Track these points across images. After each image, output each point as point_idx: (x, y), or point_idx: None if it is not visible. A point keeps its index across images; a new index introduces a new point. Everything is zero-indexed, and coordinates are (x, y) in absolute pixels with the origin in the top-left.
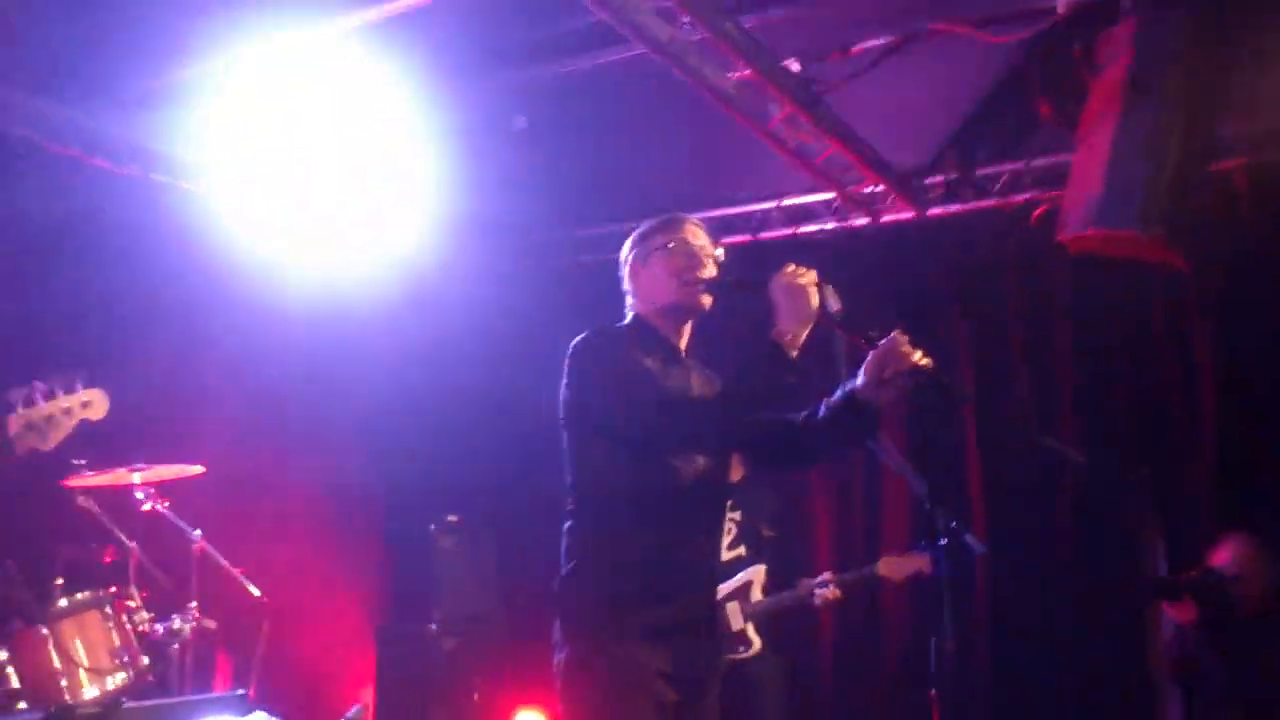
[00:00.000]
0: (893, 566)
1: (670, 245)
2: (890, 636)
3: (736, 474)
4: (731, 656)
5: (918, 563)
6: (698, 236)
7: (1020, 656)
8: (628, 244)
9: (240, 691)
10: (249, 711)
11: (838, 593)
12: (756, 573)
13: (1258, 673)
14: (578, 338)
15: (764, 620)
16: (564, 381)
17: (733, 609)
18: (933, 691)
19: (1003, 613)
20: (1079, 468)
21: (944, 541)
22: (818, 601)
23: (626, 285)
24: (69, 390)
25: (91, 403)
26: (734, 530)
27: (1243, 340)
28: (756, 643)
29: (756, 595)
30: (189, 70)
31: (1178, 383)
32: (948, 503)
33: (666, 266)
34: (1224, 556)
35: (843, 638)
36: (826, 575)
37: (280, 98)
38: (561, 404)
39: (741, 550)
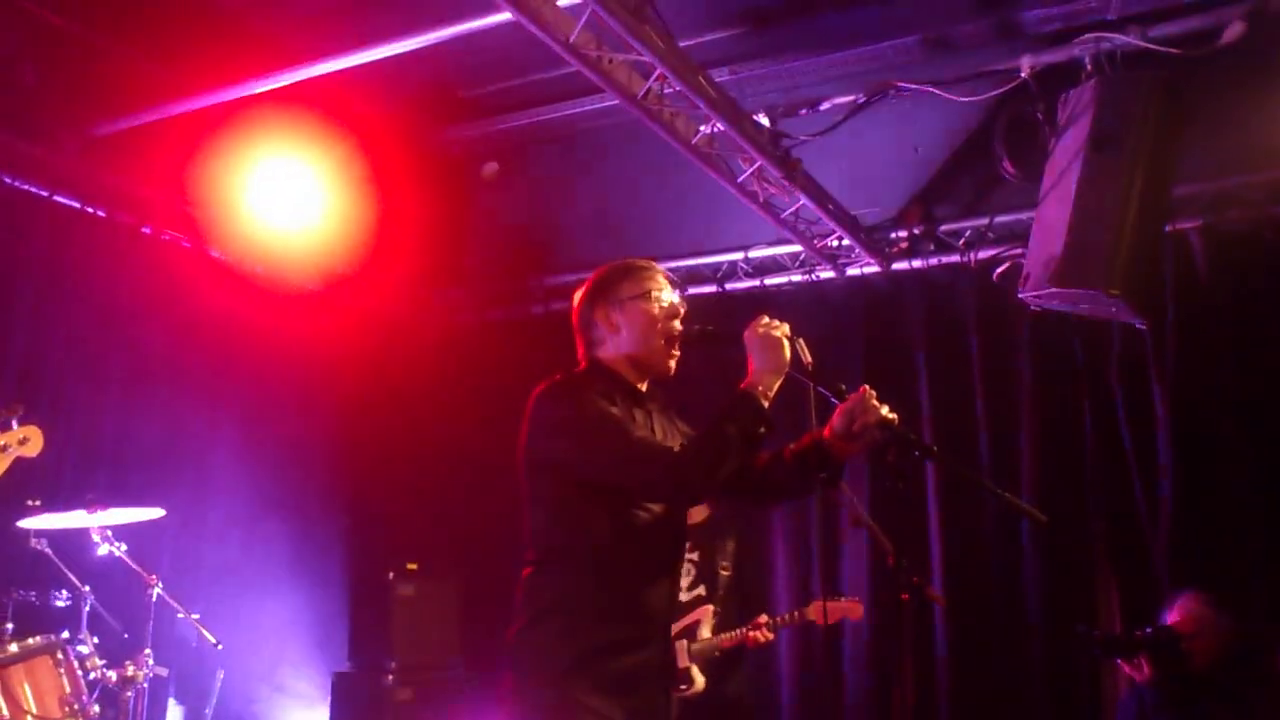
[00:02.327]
0: (820, 611)
1: (648, 296)
2: (851, 688)
3: (699, 515)
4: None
5: (846, 608)
6: (668, 289)
7: (978, 709)
8: (588, 289)
9: None
10: None
11: (769, 635)
12: (705, 612)
13: None
14: (539, 386)
15: (710, 660)
16: (525, 430)
17: (680, 647)
18: None
19: (961, 665)
20: (1037, 524)
21: (905, 597)
22: (750, 644)
23: (589, 331)
24: (4, 427)
25: (28, 439)
26: (693, 571)
27: (1199, 399)
28: (699, 681)
29: (705, 634)
30: (157, 112)
31: (1134, 439)
32: (909, 556)
33: (644, 318)
34: (1178, 614)
35: (803, 689)
36: (761, 618)
37: (248, 143)
38: (522, 452)
39: (701, 590)
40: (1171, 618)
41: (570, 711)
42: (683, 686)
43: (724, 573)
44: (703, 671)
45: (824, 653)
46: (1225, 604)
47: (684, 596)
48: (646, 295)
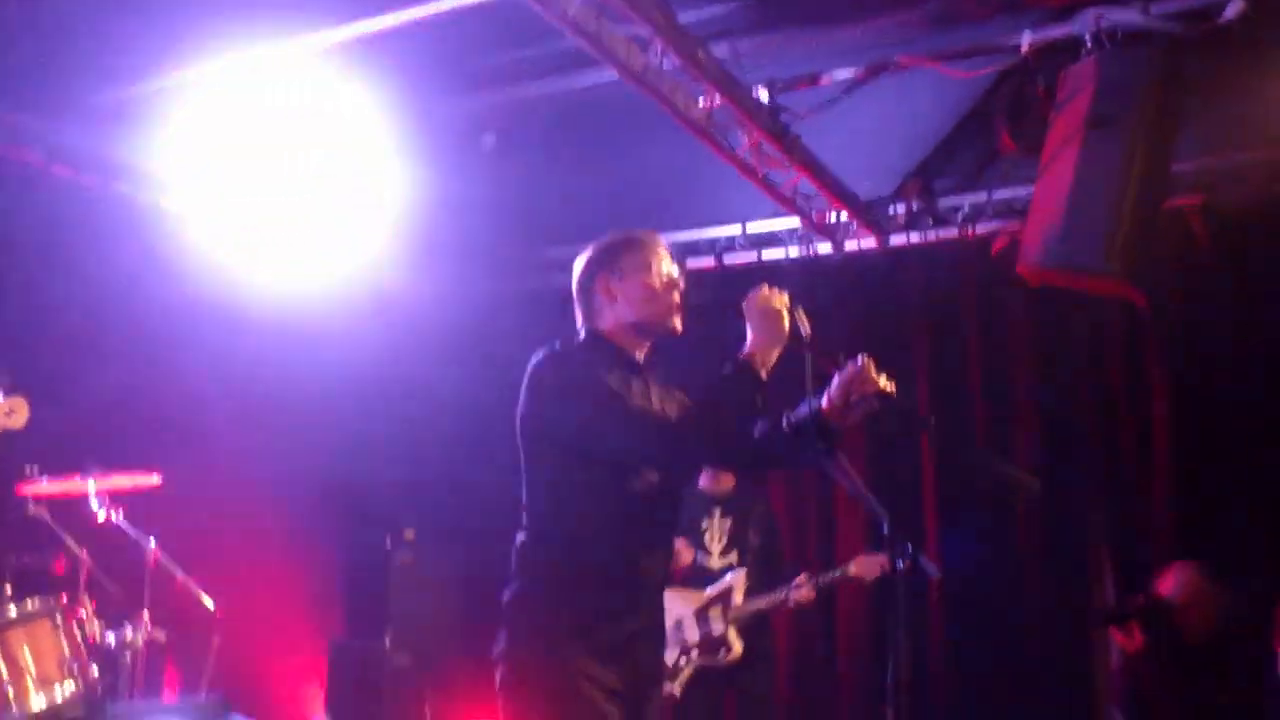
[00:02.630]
0: (864, 565)
1: (648, 268)
2: (845, 657)
3: (728, 483)
4: (712, 662)
5: (887, 562)
6: (669, 260)
7: (972, 679)
8: (588, 259)
9: (220, 696)
10: (228, 715)
11: (811, 594)
12: (738, 577)
13: (1201, 702)
14: (537, 355)
15: (747, 625)
16: (523, 399)
17: (715, 614)
18: (887, 709)
19: (955, 635)
20: (1033, 494)
21: (900, 565)
22: (792, 604)
23: (588, 301)
24: None
25: (14, 411)
26: (724, 538)
27: (1197, 374)
28: (737, 647)
29: (738, 600)
30: (156, 82)
31: (1132, 413)
32: (904, 526)
33: (644, 290)
34: (1171, 585)
35: (797, 658)
36: (801, 578)
37: (248, 113)
38: (520, 421)
39: (733, 557)
40: (1164, 588)
41: (566, 677)
42: (721, 652)
43: (755, 539)
44: (740, 637)
45: (818, 622)
46: (1218, 575)
47: (715, 563)
48: (647, 267)
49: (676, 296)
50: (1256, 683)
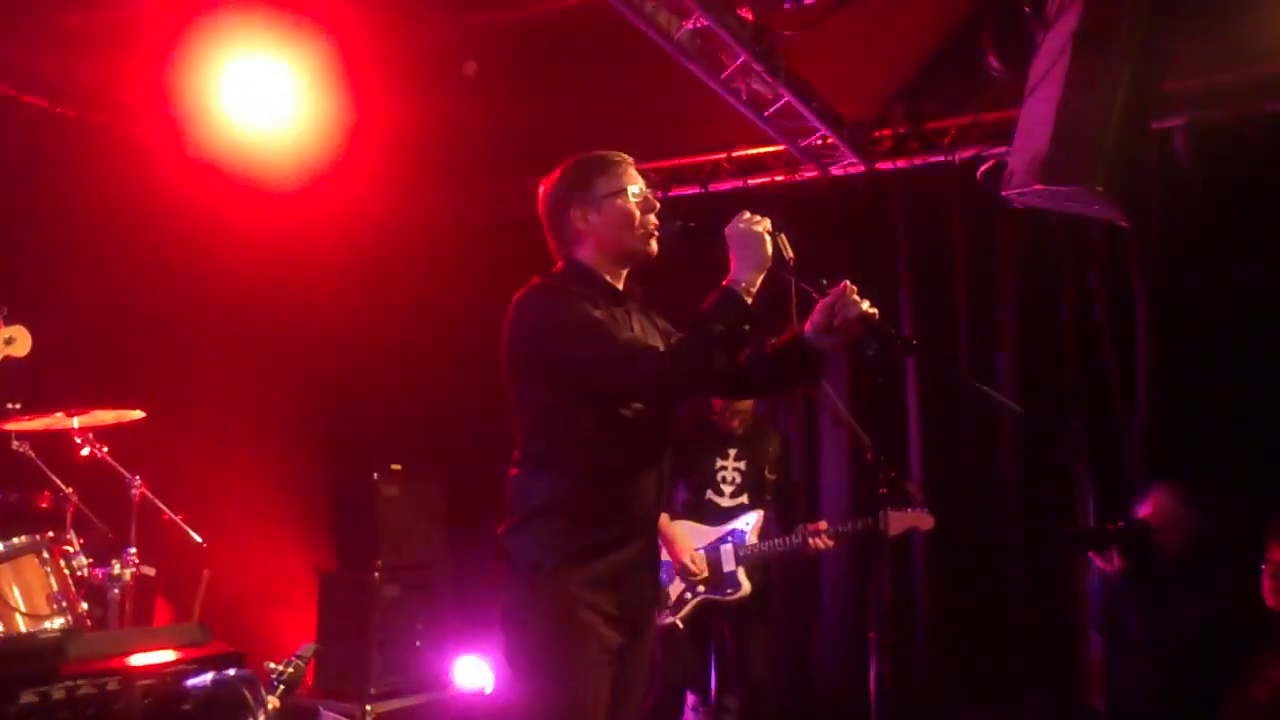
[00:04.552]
0: (891, 520)
1: (623, 192)
2: (828, 581)
3: (737, 423)
4: (721, 597)
5: (915, 518)
6: (640, 181)
7: (954, 601)
8: (556, 184)
9: (201, 624)
10: (209, 640)
11: (829, 542)
12: (753, 517)
13: (1173, 624)
14: (521, 290)
15: (757, 564)
16: (507, 332)
17: (727, 551)
18: (872, 634)
19: (937, 559)
20: (1015, 418)
21: (884, 491)
22: (811, 549)
23: (563, 230)
24: None
25: (15, 339)
26: (738, 479)
27: (1180, 296)
28: (746, 585)
29: (751, 539)
30: (128, 6)
31: (1114, 337)
32: (888, 452)
33: (622, 214)
34: (1149, 507)
35: (784, 584)
36: (821, 524)
37: (225, 38)
38: (505, 354)
39: (745, 498)
40: (1143, 511)
41: (564, 602)
42: (729, 590)
43: (770, 477)
44: (749, 577)
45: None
46: (1196, 499)
47: (727, 502)
48: (622, 191)
49: (653, 219)
50: (1241, 603)
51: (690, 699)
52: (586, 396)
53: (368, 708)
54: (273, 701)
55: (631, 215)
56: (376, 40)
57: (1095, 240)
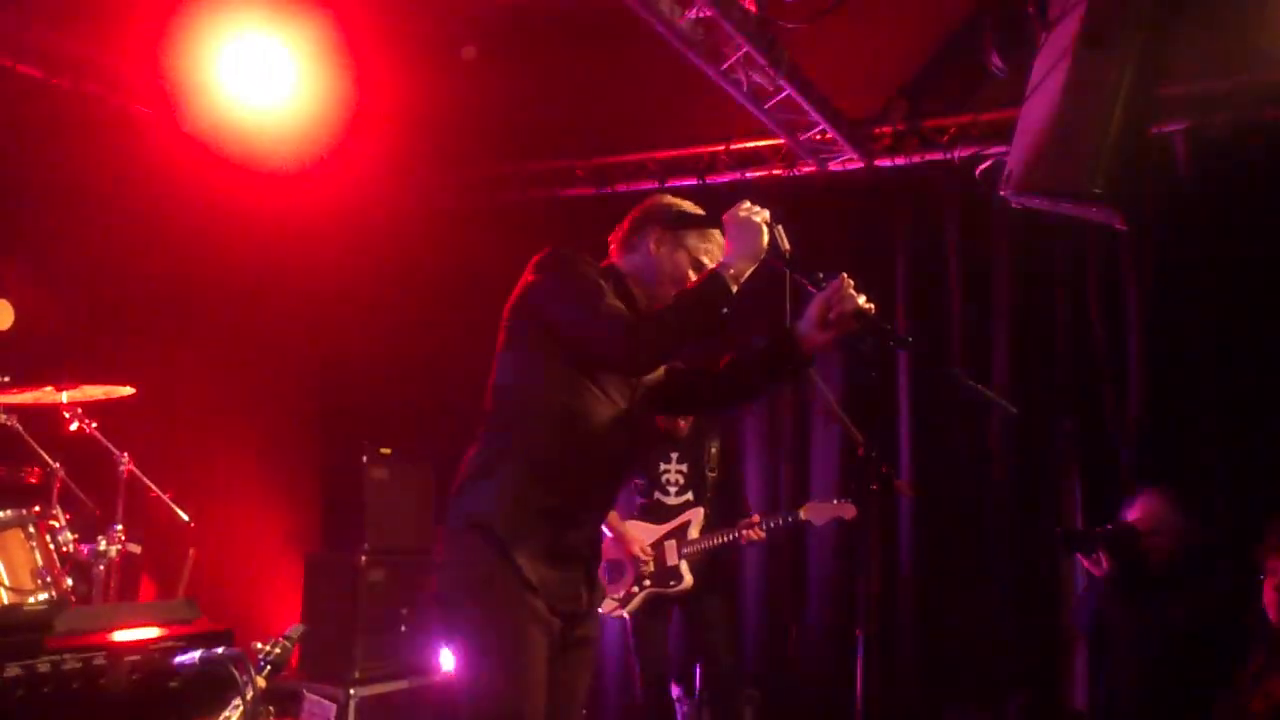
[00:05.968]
0: (815, 511)
1: (698, 259)
2: (816, 576)
3: (683, 426)
4: (665, 589)
5: (840, 510)
6: (715, 254)
7: (941, 600)
8: (667, 207)
9: (189, 599)
10: (197, 617)
11: (761, 534)
12: (695, 514)
13: (1160, 628)
14: (551, 248)
15: (700, 559)
16: (524, 280)
17: (670, 546)
18: (858, 631)
19: (926, 556)
20: (1007, 418)
21: (874, 487)
22: (743, 541)
23: (631, 236)
24: None
25: None
26: (681, 480)
27: (1174, 301)
28: (688, 578)
29: (693, 534)
30: None
31: (1108, 339)
32: (879, 448)
33: (681, 271)
34: (1138, 511)
35: (770, 576)
36: (754, 517)
37: (222, 14)
38: (510, 309)
39: (690, 495)
40: (1132, 514)
41: (499, 567)
42: (671, 583)
43: (710, 474)
44: (691, 570)
45: (789, 540)
46: (1185, 503)
47: (673, 501)
48: (697, 258)
49: (692, 276)
50: (1228, 608)
51: (675, 690)
52: (561, 354)
53: (351, 691)
54: (259, 681)
55: (686, 279)
56: (377, 18)
57: (1091, 242)
